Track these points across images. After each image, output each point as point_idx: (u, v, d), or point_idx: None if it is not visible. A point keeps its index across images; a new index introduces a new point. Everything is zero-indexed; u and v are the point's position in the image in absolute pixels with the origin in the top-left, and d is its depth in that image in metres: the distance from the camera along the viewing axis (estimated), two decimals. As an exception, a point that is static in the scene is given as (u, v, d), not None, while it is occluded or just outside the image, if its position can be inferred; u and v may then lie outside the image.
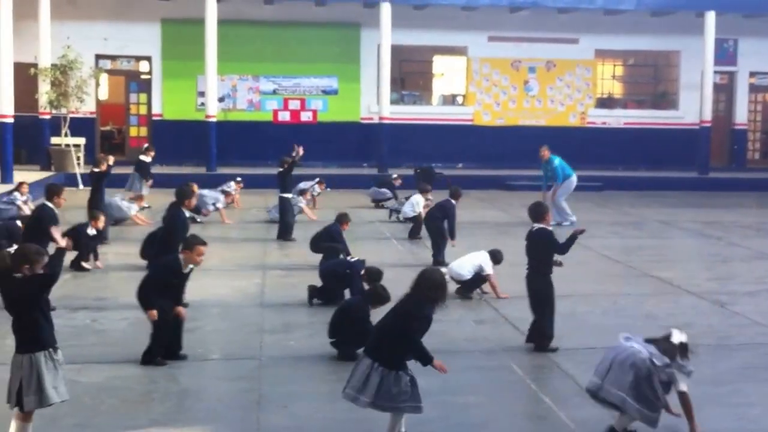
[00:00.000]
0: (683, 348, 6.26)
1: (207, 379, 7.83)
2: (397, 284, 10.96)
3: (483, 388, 7.58)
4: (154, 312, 7.90)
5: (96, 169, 14.71)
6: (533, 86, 26.69)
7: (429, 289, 6.09)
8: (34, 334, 5.82)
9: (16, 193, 15.81)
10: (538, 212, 8.78)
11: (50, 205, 10.53)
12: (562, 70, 26.69)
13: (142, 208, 16.71)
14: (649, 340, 6.35)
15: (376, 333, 6.28)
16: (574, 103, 26.83)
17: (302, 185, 18.50)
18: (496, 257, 10.98)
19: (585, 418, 6.73)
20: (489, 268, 10.81)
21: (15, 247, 10.74)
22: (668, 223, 18.27)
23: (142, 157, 18.87)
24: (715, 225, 17.98)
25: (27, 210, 15.54)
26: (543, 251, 8.68)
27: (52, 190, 10.55)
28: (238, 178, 19.37)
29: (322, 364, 8.20)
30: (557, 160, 17.59)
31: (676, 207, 20.87)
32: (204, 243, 8.02)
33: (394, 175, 19.29)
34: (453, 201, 13.13)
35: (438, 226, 12.98)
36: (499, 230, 16.54)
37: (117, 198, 16.31)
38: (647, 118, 27.12)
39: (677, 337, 6.28)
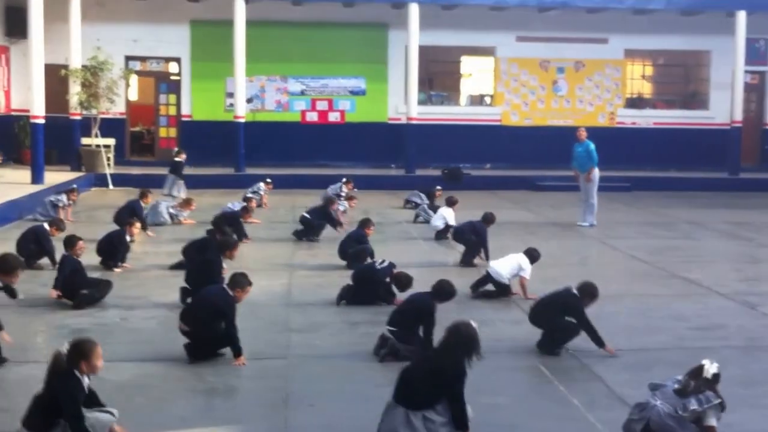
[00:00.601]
0: (716, 379, 6.16)
1: (234, 377, 7.85)
2: (424, 285, 11.02)
3: (510, 390, 7.55)
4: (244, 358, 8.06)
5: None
6: (562, 86, 26.58)
7: (464, 345, 6.08)
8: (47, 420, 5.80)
9: (64, 196, 16.10)
10: (585, 290, 8.59)
11: (72, 256, 10.56)
12: (591, 70, 26.56)
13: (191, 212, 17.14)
14: (680, 386, 6.12)
15: (406, 383, 6.10)
16: (603, 103, 26.69)
17: (331, 190, 18.54)
18: (533, 256, 10.99)
19: (614, 420, 6.67)
20: (527, 271, 10.82)
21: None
22: (698, 223, 18.11)
23: (177, 159, 19.00)
24: (746, 226, 17.81)
25: (67, 215, 15.86)
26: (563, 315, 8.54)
27: (70, 242, 10.61)
28: (268, 179, 19.47)
29: (349, 363, 8.20)
30: (593, 145, 17.43)
31: (706, 208, 20.69)
32: (251, 284, 8.38)
33: (438, 187, 19.12)
34: (484, 225, 13.12)
35: (467, 239, 12.96)
36: (528, 230, 16.47)
37: (163, 204, 16.44)
38: (677, 119, 26.90)
39: (709, 369, 6.15)
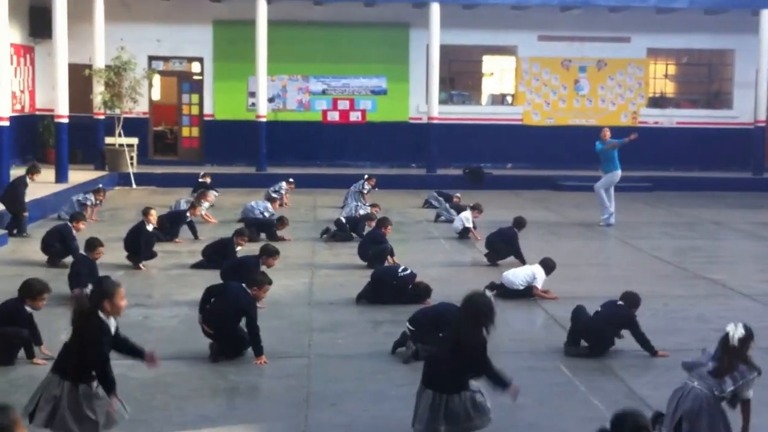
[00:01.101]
0: (745, 345, 6.05)
1: (256, 376, 7.89)
2: (446, 284, 11.06)
3: (531, 390, 7.53)
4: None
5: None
6: (584, 86, 26.47)
7: (479, 316, 6.06)
8: (74, 367, 5.75)
9: (92, 195, 16.28)
10: (632, 300, 8.63)
11: (90, 258, 10.64)
12: (614, 69, 26.44)
13: (210, 206, 17.34)
14: (713, 368, 6.04)
15: (432, 366, 6.14)
16: (625, 102, 26.56)
17: (354, 188, 18.57)
18: (548, 266, 10.96)
19: (635, 421, 6.65)
20: (540, 281, 10.81)
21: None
22: (721, 224, 17.99)
23: (201, 180, 19.05)
24: (770, 226, 17.68)
25: (92, 214, 16.06)
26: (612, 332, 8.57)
27: (91, 245, 10.68)
28: (290, 179, 19.52)
29: (370, 362, 8.22)
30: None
31: (729, 208, 20.55)
32: (271, 282, 8.54)
33: (457, 194, 19.06)
34: (515, 229, 13.07)
35: (498, 249, 12.92)
36: (549, 230, 16.44)
37: (183, 200, 16.55)
38: (700, 118, 26.72)
39: (734, 335, 6.05)
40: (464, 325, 6.07)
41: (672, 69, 27.76)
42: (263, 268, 10.30)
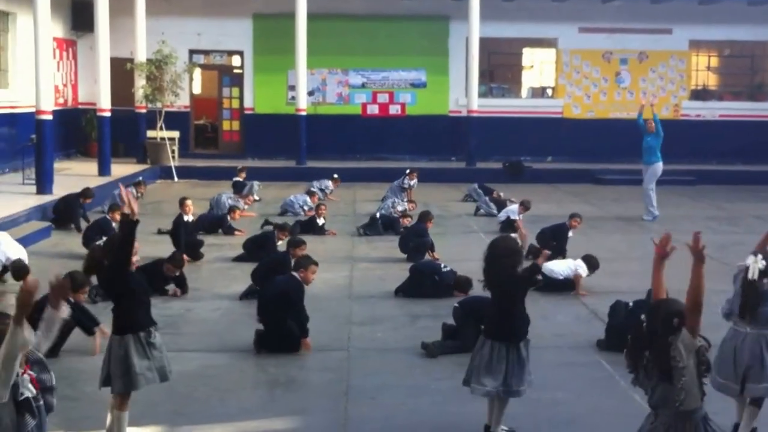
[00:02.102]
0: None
1: (296, 369, 7.95)
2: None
3: (571, 385, 7.52)
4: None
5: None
6: (625, 78, 26.22)
7: (506, 257, 6.15)
8: (122, 317, 5.91)
9: (133, 189, 16.50)
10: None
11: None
12: (655, 61, 26.16)
13: (254, 201, 17.59)
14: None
15: (490, 315, 6.34)
16: (667, 95, 26.26)
17: (396, 183, 18.57)
18: (591, 264, 10.91)
19: (676, 417, 6.60)
20: (582, 269, 10.76)
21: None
22: (764, 218, 17.72)
23: (237, 178, 19.18)
24: (815, 221, 17.40)
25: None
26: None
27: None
28: (335, 175, 19.47)
29: (409, 356, 8.25)
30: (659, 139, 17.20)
31: (773, 202, 20.25)
32: (317, 263, 8.52)
33: (502, 194, 18.88)
34: (567, 225, 12.99)
35: (546, 246, 12.84)
36: (589, 225, 16.29)
37: (224, 195, 16.68)
38: (743, 110, 26.33)
39: (754, 270, 6.06)
40: (496, 268, 6.17)
41: (714, 61, 27.39)
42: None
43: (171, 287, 10.31)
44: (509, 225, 14.87)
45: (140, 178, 18.28)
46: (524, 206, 15.13)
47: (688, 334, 4.62)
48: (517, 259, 6.22)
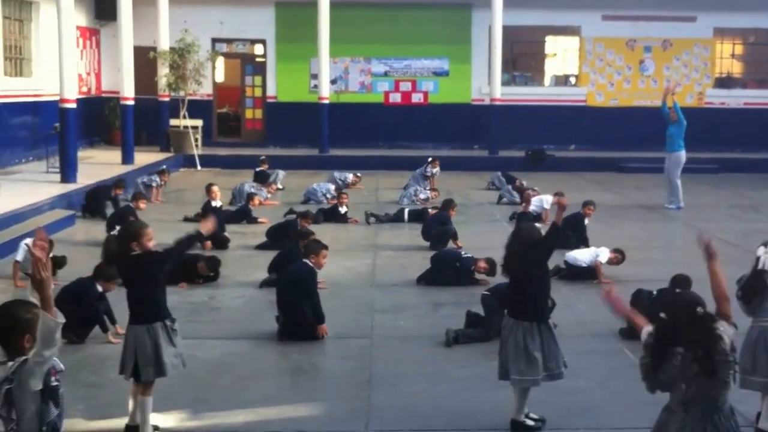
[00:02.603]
0: None
1: (319, 356, 8.00)
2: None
3: (593, 373, 7.51)
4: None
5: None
6: (649, 66, 26.04)
7: (530, 247, 6.23)
8: (152, 307, 5.97)
9: (157, 177, 16.65)
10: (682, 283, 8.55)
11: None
12: (679, 49, 25.95)
13: (278, 190, 17.73)
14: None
15: (509, 298, 6.39)
16: (691, 83, 26.06)
17: (418, 171, 18.55)
18: (622, 253, 10.86)
19: (699, 406, 6.58)
20: (604, 257, 10.70)
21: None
22: (790, 207, 17.60)
23: (260, 169, 19.22)
24: (841, 209, 17.24)
25: (158, 195, 16.45)
26: None
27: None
28: (359, 173, 19.42)
29: (431, 344, 8.26)
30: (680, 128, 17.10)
31: (798, 190, 20.07)
32: (327, 247, 8.61)
33: (525, 182, 18.74)
34: (582, 213, 12.90)
35: (564, 237, 12.74)
36: (612, 213, 16.25)
37: (247, 185, 16.75)
38: (768, 99, 26.12)
39: (765, 256, 6.02)
40: (520, 255, 6.24)
41: (739, 48, 27.11)
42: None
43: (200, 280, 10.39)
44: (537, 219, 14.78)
45: (164, 167, 18.39)
46: (560, 195, 15.00)
47: (727, 324, 4.49)
48: (542, 250, 6.28)
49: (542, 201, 15.02)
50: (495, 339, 8.01)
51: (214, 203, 12.86)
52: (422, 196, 16.56)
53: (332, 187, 17.09)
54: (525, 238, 6.34)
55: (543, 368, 6.09)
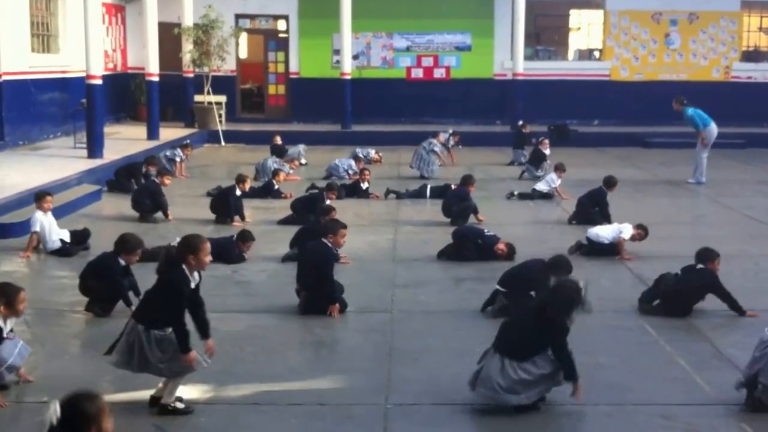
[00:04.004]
0: None
1: (341, 330, 8.06)
2: (530, 242, 11.05)
3: (615, 349, 7.51)
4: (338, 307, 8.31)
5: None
6: (674, 39, 25.79)
7: (569, 303, 6.07)
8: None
9: (180, 151, 16.76)
10: (709, 256, 8.49)
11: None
12: (706, 22, 25.67)
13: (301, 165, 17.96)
14: None
15: (507, 333, 6.17)
16: (717, 56, 25.80)
17: (442, 136, 18.59)
18: (646, 229, 10.81)
19: (722, 382, 6.59)
20: (627, 234, 10.66)
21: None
22: (817, 182, 17.45)
23: (273, 143, 19.22)
24: None
25: (181, 170, 16.57)
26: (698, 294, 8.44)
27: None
28: (380, 153, 19.41)
29: (452, 319, 8.30)
30: (689, 111, 17.02)
31: (826, 165, 19.88)
32: (345, 226, 8.59)
33: (543, 139, 18.68)
34: (605, 188, 12.83)
35: (587, 213, 12.67)
36: (636, 188, 16.19)
37: (270, 160, 16.83)
38: (796, 72, 25.81)
39: None
40: (553, 305, 6.08)
41: (767, 22, 26.79)
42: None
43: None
44: (550, 196, 14.72)
45: (187, 141, 18.49)
46: (560, 170, 15.00)
47: None
48: (579, 303, 6.13)
49: (549, 181, 14.93)
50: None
51: (237, 192, 12.90)
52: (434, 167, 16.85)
53: (353, 162, 17.12)
54: (561, 295, 6.18)
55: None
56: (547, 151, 17.65)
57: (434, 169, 17.06)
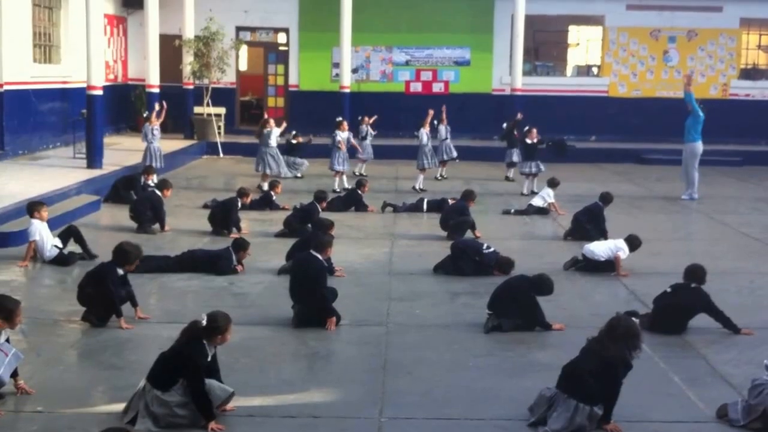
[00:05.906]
0: None
1: (336, 342, 8.08)
2: (526, 257, 11.07)
3: (609, 364, 7.52)
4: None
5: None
6: (673, 56, 25.88)
7: (629, 338, 6.10)
8: None
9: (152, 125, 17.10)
10: (697, 275, 8.55)
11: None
12: (704, 39, 25.77)
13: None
14: None
15: (575, 373, 6.17)
16: (716, 74, 25.88)
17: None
18: (633, 243, 10.83)
19: (716, 399, 6.61)
20: (623, 252, 10.69)
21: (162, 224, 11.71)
22: (813, 200, 17.49)
23: (293, 141, 19.32)
24: None
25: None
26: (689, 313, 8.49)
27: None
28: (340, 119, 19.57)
29: (447, 332, 8.32)
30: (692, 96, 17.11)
31: (822, 184, 19.92)
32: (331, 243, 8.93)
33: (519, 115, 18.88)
34: (601, 204, 12.88)
35: (583, 229, 12.67)
36: (633, 204, 16.24)
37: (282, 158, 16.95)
38: (794, 90, 25.88)
39: None
40: (617, 346, 6.09)
41: (765, 39, 26.87)
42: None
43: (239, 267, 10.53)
44: (545, 211, 14.75)
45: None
46: (554, 184, 15.02)
47: None
48: (639, 342, 6.17)
49: (543, 196, 14.99)
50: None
51: (239, 205, 13.00)
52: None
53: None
54: (621, 330, 6.19)
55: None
56: (535, 140, 17.66)
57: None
